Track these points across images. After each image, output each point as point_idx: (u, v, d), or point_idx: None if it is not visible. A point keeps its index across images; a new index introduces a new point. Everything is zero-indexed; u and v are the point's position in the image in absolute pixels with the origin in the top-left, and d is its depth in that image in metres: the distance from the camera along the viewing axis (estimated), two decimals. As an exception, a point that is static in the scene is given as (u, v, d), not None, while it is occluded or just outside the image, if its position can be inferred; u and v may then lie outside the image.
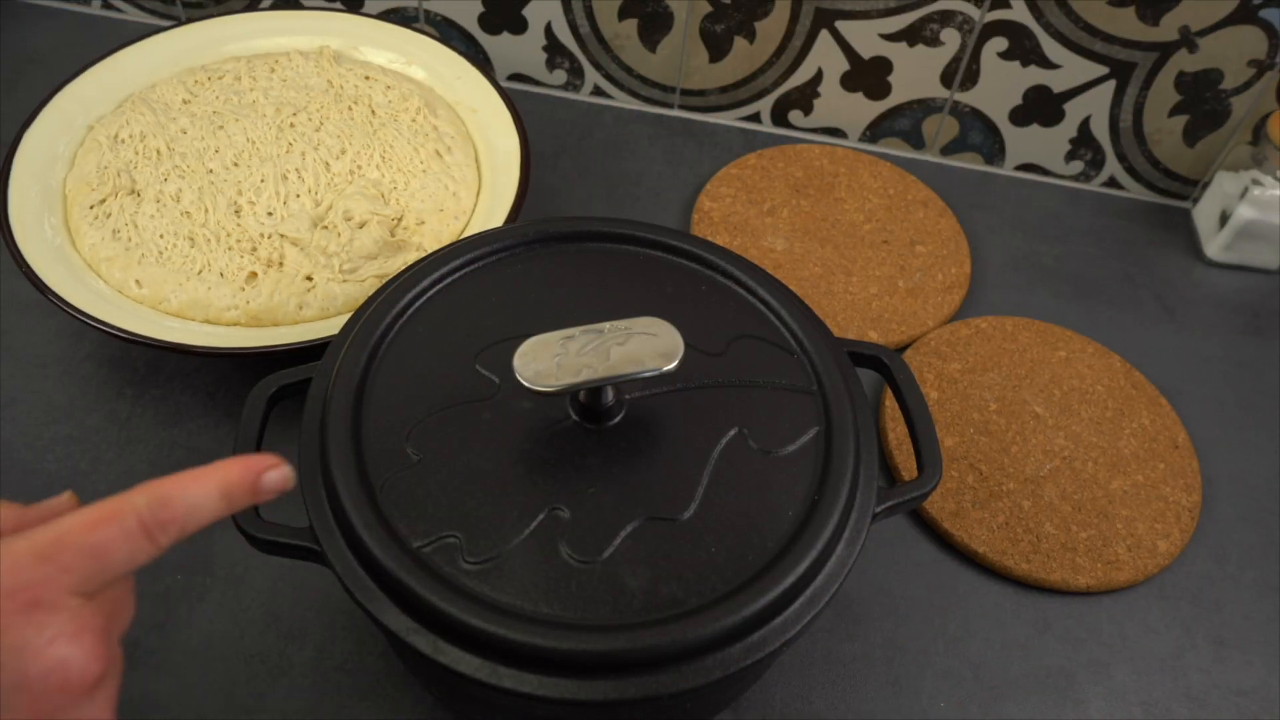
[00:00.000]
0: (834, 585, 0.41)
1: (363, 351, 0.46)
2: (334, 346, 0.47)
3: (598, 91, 0.82)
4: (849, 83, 0.77)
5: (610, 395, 0.43)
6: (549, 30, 0.78)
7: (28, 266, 0.57)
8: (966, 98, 0.77)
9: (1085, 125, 0.77)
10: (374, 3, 0.80)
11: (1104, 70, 0.73)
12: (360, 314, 0.48)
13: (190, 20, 0.72)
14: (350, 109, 0.67)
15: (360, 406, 0.44)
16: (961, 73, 0.75)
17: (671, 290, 0.50)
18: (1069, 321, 0.70)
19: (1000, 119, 0.78)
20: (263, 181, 0.62)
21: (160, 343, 0.55)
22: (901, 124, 0.80)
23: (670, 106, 0.82)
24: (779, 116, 0.81)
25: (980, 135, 0.79)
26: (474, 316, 0.48)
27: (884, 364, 0.50)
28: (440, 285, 0.49)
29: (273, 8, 0.78)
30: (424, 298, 0.49)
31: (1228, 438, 0.65)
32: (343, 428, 0.43)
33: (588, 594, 0.39)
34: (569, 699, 0.38)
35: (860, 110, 0.79)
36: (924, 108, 0.78)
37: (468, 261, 0.50)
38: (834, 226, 0.73)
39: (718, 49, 0.77)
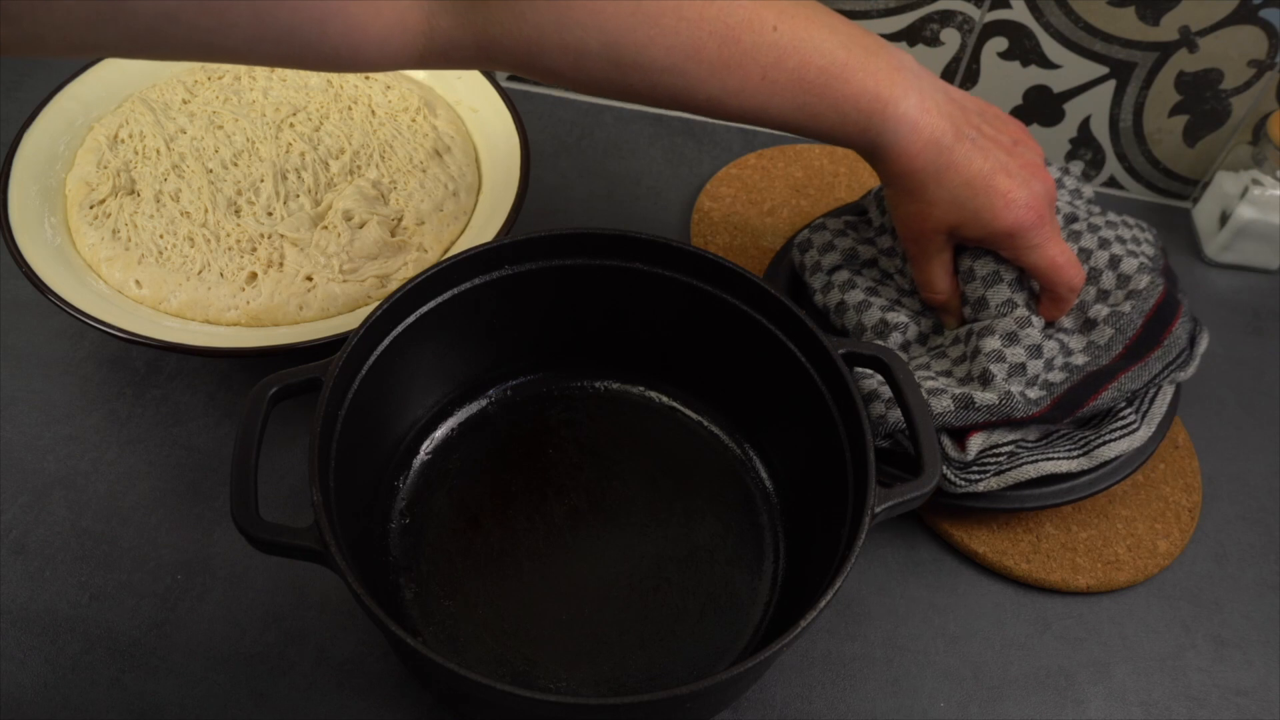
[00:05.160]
0: (834, 585, 0.41)
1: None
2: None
3: (598, 91, 0.82)
4: (849, 83, 0.77)
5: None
6: (549, 30, 0.78)
7: (28, 266, 0.57)
8: (966, 98, 0.77)
9: (1085, 125, 0.77)
10: (374, 2, 0.80)
11: (1104, 70, 0.73)
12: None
13: (190, 20, 0.72)
14: (349, 109, 0.67)
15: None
16: (961, 73, 0.75)
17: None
18: (1069, 321, 0.70)
19: (1000, 119, 0.78)
20: (262, 181, 0.62)
21: (160, 343, 0.55)
22: (901, 124, 0.79)
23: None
24: (779, 116, 0.81)
25: (980, 135, 0.79)
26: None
27: (884, 364, 0.50)
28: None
29: (273, 7, 0.78)
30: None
31: (1228, 438, 0.65)
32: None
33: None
34: (570, 702, 0.38)
35: (860, 110, 0.79)
36: (924, 108, 0.78)
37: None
38: (834, 226, 0.73)
39: (718, 49, 0.77)
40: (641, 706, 0.38)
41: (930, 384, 0.54)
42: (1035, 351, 0.55)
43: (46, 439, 0.59)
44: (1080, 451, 0.55)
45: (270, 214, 0.61)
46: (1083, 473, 0.55)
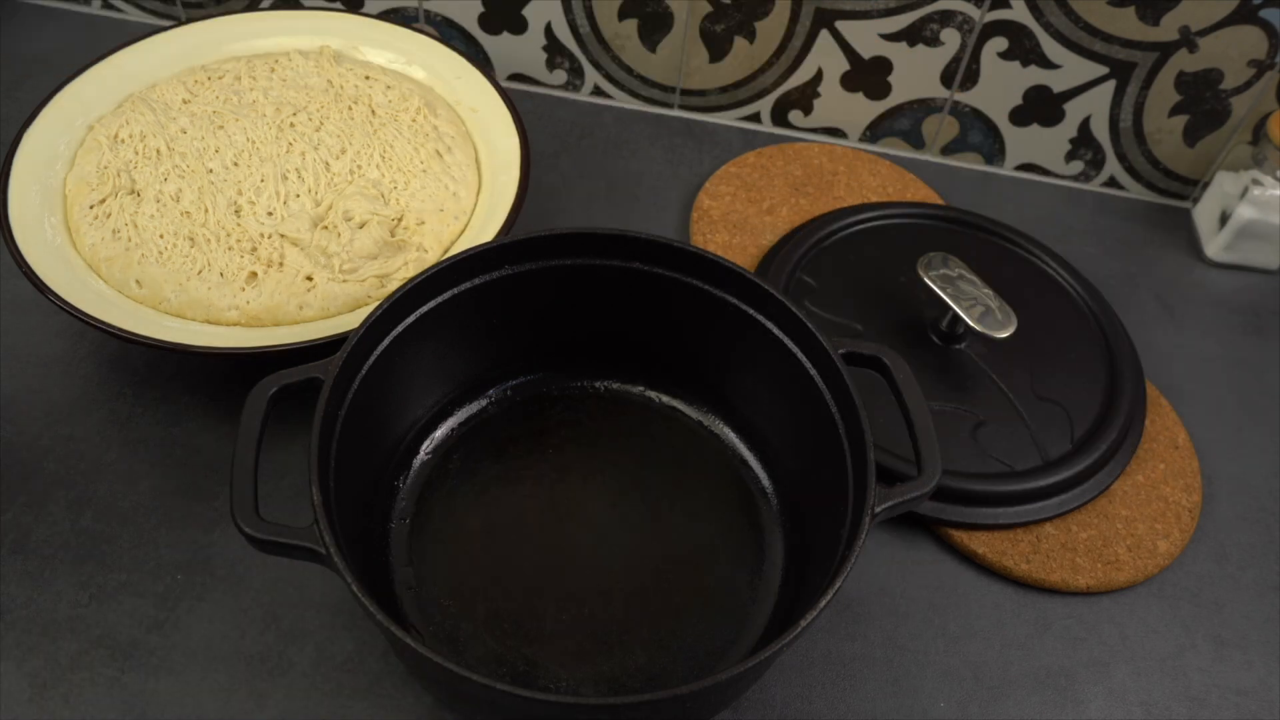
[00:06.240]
0: (834, 585, 0.41)
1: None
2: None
3: (598, 91, 0.82)
4: (849, 83, 0.77)
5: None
6: (549, 30, 0.78)
7: (28, 266, 0.57)
8: (966, 98, 0.77)
9: (1085, 125, 0.77)
10: (374, 3, 0.80)
11: (1104, 70, 0.73)
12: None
13: (190, 20, 0.72)
14: (350, 109, 0.67)
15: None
16: (961, 73, 0.75)
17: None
18: (1069, 321, 0.70)
19: (1000, 119, 0.78)
20: (263, 181, 0.62)
21: (160, 343, 0.55)
22: (901, 124, 0.80)
23: (670, 106, 0.82)
24: (779, 117, 0.81)
25: (980, 135, 0.79)
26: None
27: (884, 364, 0.50)
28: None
29: (273, 8, 0.78)
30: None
31: (1228, 438, 0.65)
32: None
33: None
34: (570, 702, 0.38)
35: (860, 110, 0.79)
36: (924, 108, 0.78)
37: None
38: (834, 226, 0.73)
39: (718, 49, 0.77)
40: (641, 706, 0.38)
41: None
42: None
43: (46, 439, 0.59)
44: None
45: (271, 214, 0.61)
46: None
